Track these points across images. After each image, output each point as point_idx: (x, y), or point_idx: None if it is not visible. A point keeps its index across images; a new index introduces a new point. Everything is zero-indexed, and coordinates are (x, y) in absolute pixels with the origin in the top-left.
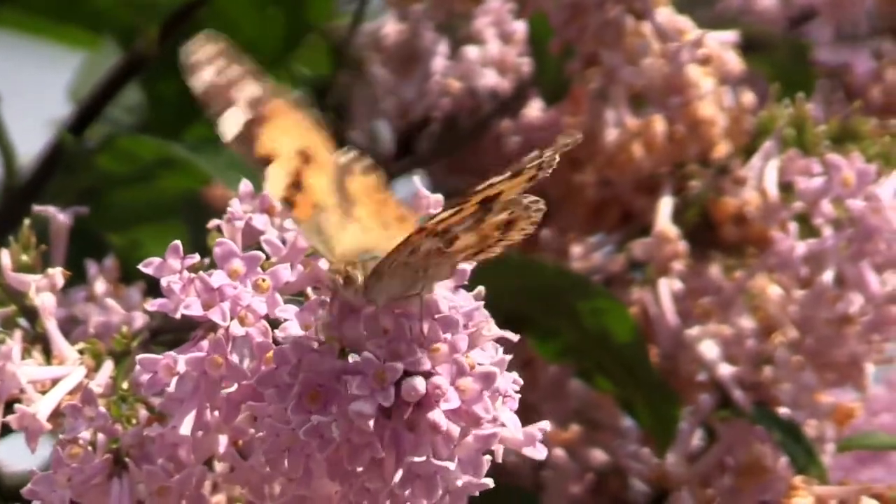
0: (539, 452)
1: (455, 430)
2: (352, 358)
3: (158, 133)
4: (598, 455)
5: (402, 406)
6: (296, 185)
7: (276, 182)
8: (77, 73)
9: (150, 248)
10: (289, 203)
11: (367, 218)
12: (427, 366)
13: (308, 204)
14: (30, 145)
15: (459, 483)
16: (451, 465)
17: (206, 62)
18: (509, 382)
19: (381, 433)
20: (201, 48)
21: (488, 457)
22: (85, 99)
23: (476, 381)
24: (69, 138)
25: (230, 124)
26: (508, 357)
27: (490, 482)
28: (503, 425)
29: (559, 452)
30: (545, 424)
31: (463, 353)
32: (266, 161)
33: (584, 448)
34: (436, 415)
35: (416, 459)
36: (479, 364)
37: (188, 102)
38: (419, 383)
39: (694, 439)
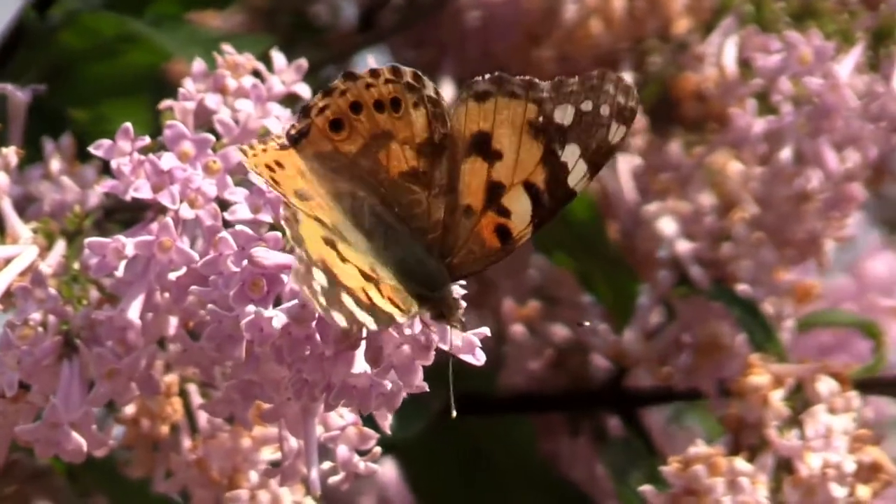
0: (478, 358)
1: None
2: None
3: (122, 9)
4: (559, 331)
5: None
6: None
7: None
8: None
9: (115, 123)
10: None
11: None
12: None
13: None
14: None
15: (389, 386)
16: (388, 385)
17: None
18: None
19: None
20: None
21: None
22: None
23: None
24: (32, 15)
25: None
26: None
27: (425, 386)
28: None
29: (519, 328)
30: (485, 330)
31: None
32: None
33: (544, 324)
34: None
35: (355, 372)
36: None
37: None
38: None
39: (653, 316)
